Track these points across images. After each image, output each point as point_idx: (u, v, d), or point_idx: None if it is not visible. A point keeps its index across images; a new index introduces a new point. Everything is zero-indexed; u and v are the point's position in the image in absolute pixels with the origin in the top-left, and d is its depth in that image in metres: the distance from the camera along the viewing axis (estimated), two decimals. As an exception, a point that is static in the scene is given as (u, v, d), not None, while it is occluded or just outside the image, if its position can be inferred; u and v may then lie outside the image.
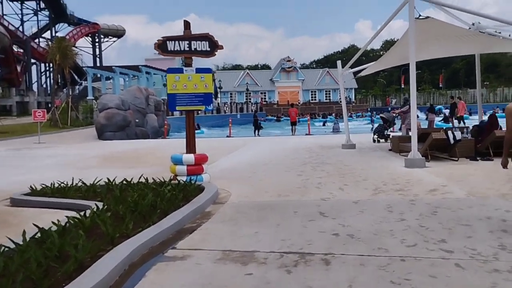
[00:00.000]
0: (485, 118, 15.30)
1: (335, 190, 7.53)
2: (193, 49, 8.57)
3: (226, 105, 59.26)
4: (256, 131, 27.90)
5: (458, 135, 10.29)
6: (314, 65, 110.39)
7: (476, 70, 14.62)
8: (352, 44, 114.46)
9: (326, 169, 9.91)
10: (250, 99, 73.82)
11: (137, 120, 25.40)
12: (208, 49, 8.67)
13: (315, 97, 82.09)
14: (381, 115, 18.31)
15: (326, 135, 24.00)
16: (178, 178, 8.32)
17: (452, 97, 25.77)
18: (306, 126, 27.99)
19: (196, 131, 34.37)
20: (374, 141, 16.04)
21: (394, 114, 18.35)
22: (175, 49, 8.50)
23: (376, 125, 19.38)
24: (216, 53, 8.75)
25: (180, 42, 8.53)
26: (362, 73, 14.80)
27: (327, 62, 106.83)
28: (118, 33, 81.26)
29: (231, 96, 77.57)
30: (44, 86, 65.37)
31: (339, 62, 14.45)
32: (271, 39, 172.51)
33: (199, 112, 48.63)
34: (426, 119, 27.30)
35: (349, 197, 6.91)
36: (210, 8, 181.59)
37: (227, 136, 25.78)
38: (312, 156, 12.51)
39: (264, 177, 9.19)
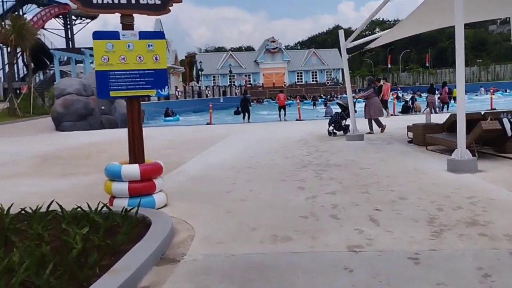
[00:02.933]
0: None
1: (365, 222, 4.61)
2: (133, 1, 5.51)
3: (208, 89, 55.82)
4: (246, 116, 23.95)
5: (517, 123, 7.44)
6: (299, 47, 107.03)
7: None
8: (337, 25, 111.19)
9: (337, 176, 6.98)
10: (233, 82, 70.49)
11: (102, 107, 22.07)
12: (158, 1, 5.62)
13: (301, 79, 79.07)
14: (338, 101, 14.65)
15: (319, 121, 21.01)
16: (116, 202, 5.39)
17: (378, 80, 22.18)
18: (296, 110, 25.02)
19: (170, 118, 30.44)
20: (329, 133, 12.57)
21: (354, 100, 14.91)
22: (105, 0, 5.42)
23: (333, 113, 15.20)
24: (170, 8, 5.68)
25: (113, -11, 5.44)
26: (371, 45, 11.86)
27: (312, 43, 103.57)
28: (91, 14, 76.67)
29: (214, 79, 74.11)
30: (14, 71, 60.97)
31: (341, 32, 11.44)
32: (253, 22, 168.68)
33: (179, 95, 45.32)
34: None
35: (396, 243, 3.98)
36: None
37: (207, 123, 22.65)
38: (311, 153, 9.58)
39: (249, 193, 6.21)
